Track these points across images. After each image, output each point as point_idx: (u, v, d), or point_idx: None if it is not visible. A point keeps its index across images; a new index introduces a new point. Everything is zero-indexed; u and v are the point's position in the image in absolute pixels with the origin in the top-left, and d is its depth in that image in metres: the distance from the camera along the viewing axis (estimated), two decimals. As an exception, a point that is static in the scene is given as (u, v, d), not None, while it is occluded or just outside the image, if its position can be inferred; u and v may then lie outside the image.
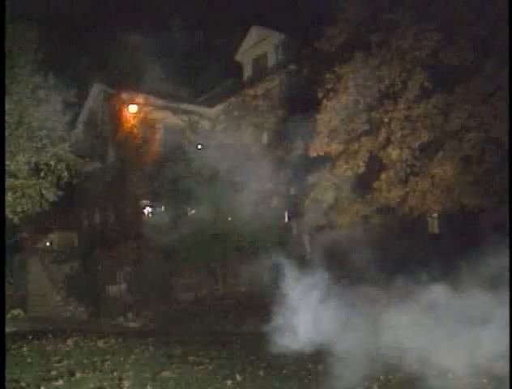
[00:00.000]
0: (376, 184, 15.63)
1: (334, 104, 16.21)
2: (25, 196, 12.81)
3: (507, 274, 6.65)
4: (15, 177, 12.58)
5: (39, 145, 12.92)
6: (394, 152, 15.27)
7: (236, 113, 22.90)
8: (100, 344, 8.44)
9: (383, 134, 15.52)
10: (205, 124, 23.82)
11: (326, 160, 16.73)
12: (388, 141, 15.55)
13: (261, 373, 6.64)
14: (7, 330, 9.51)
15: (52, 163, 12.88)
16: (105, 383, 6.06)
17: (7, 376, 5.98)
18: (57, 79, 13.36)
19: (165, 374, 6.41)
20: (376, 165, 15.95)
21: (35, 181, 12.89)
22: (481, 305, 6.33)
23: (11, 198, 12.44)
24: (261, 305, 13.76)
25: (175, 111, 23.53)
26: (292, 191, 21.00)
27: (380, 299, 7.41)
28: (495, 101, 14.53)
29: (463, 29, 14.88)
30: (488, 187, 15.04)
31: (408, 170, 15.48)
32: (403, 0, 15.60)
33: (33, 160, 12.82)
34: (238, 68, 25.59)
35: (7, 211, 12.11)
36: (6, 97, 11.71)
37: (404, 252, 19.08)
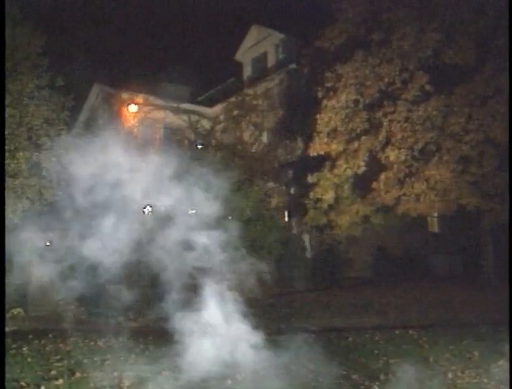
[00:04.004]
0: (374, 184, 15.64)
1: (333, 104, 16.23)
2: (25, 195, 12.80)
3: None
4: (15, 176, 12.58)
5: (39, 142, 12.91)
6: (392, 153, 15.29)
7: (236, 113, 22.89)
8: (101, 343, 8.44)
9: (383, 133, 15.53)
10: (205, 124, 23.81)
11: (326, 159, 16.74)
12: (388, 141, 15.56)
13: (261, 373, 6.63)
14: (7, 329, 9.50)
15: (53, 159, 12.84)
16: (105, 383, 6.06)
17: (7, 376, 5.98)
18: (57, 78, 13.38)
19: (166, 373, 6.40)
20: (376, 166, 15.97)
21: (35, 180, 12.88)
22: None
23: (12, 197, 12.43)
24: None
25: (175, 111, 23.52)
26: (292, 191, 21.02)
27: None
28: (494, 103, 14.56)
29: (464, 28, 14.89)
30: (488, 188, 15.05)
31: (407, 171, 15.50)
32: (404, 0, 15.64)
33: (33, 157, 12.81)
34: (238, 68, 25.58)
35: (7, 210, 12.09)
36: (8, 97, 11.71)
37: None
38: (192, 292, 6.44)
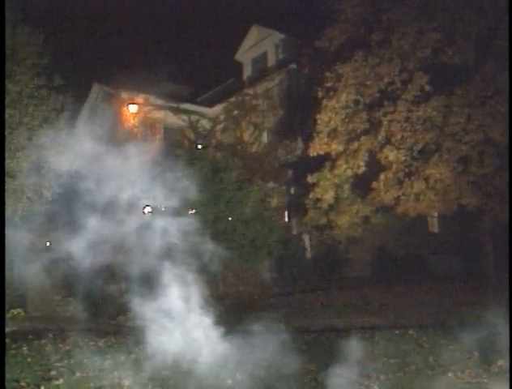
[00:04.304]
0: (374, 184, 15.65)
1: (333, 104, 16.24)
2: (25, 195, 12.77)
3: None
4: (15, 176, 12.55)
5: (39, 142, 12.89)
6: (391, 154, 15.29)
7: (236, 113, 22.92)
8: (101, 343, 8.44)
9: (383, 133, 15.54)
10: (205, 123, 23.83)
11: (326, 159, 16.75)
12: (388, 141, 15.56)
13: (261, 373, 6.63)
14: (7, 329, 9.50)
15: (53, 159, 12.78)
16: (105, 383, 6.06)
17: (7, 376, 5.98)
18: (57, 78, 13.36)
19: (165, 373, 6.39)
20: (376, 166, 15.99)
21: (35, 180, 12.85)
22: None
23: (12, 197, 12.41)
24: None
25: (175, 111, 23.53)
26: (292, 191, 21.03)
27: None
28: (494, 103, 14.57)
29: (464, 28, 14.90)
30: (488, 187, 15.06)
31: (406, 170, 15.50)
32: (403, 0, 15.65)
33: (33, 157, 12.77)
34: (238, 68, 25.59)
35: (7, 210, 12.08)
36: (8, 97, 11.70)
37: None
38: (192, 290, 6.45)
